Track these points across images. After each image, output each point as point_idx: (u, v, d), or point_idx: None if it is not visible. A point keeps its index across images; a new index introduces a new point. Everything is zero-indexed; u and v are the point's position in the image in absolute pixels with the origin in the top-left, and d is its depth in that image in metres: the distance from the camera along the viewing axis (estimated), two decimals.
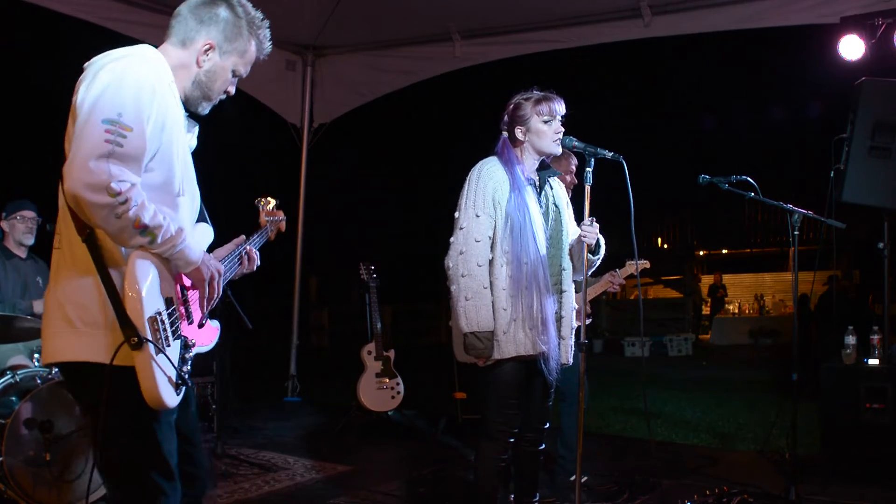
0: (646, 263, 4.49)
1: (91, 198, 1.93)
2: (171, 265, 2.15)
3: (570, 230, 3.46)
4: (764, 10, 5.85)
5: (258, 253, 2.65)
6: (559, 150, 3.35)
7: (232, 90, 2.37)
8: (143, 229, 2.01)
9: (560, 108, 3.33)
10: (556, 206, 3.44)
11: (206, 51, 2.26)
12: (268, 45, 2.38)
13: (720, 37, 6.60)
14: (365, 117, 8.86)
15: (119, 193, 1.95)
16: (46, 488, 3.87)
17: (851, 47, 5.11)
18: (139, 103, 2.04)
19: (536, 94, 3.34)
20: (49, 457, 3.84)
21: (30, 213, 4.70)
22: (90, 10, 5.92)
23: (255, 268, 2.62)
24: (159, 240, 2.05)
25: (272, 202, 2.94)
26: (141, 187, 2.06)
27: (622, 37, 6.51)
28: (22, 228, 4.68)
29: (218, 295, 2.28)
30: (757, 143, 18.57)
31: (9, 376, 4.03)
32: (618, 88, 17.15)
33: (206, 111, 2.37)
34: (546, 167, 3.44)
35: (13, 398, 3.96)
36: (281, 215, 2.94)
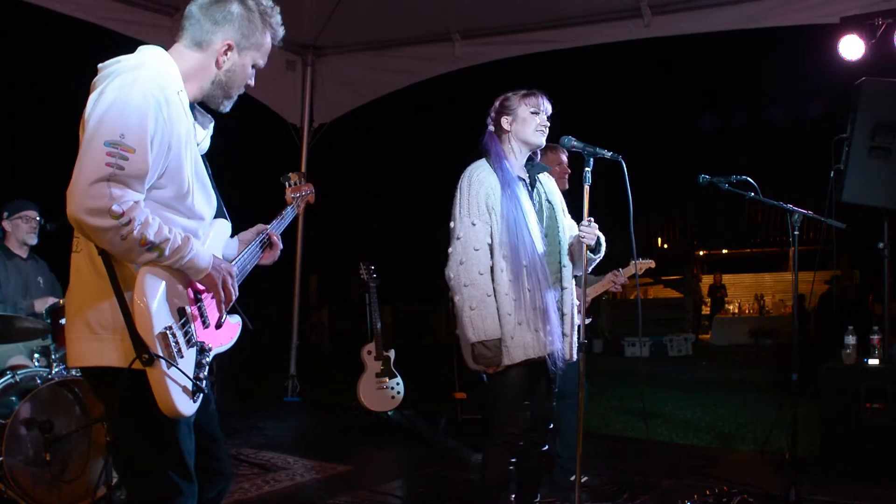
0: (651, 263, 4.46)
1: (94, 222, 1.93)
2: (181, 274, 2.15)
3: (567, 225, 3.45)
4: (764, 10, 5.85)
5: (280, 237, 2.62)
6: (542, 142, 3.37)
7: (252, 83, 2.34)
8: (150, 246, 2.00)
9: (547, 105, 3.36)
10: (549, 202, 3.43)
11: (226, 51, 2.23)
12: (281, 31, 2.36)
13: (720, 37, 6.60)
14: (365, 117, 8.86)
15: (122, 215, 1.93)
16: (46, 488, 3.87)
17: (851, 47, 5.11)
18: (143, 124, 2.00)
19: (525, 90, 3.37)
20: (49, 457, 3.84)
21: (33, 213, 4.71)
22: (90, 10, 5.92)
23: (277, 255, 2.59)
24: (167, 252, 2.04)
25: (297, 176, 2.88)
26: (153, 201, 2.06)
27: (622, 37, 6.51)
28: (26, 228, 4.70)
29: (235, 295, 2.26)
30: (757, 143, 18.57)
31: (9, 376, 4.03)
32: (618, 88, 17.13)
33: (228, 109, 2.34)
34: (531, 164, 3.42)
35: (13, 398, 3.96)
36: (309, 187, 2.89)
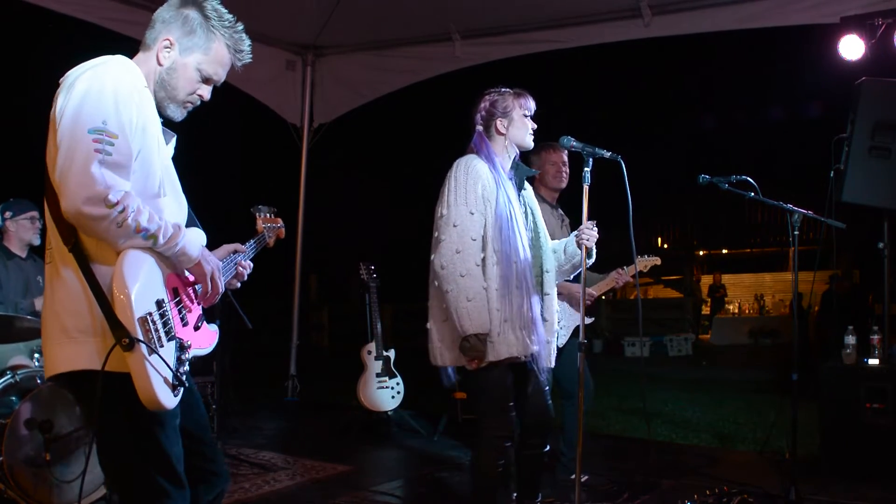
0: (657, 260, 4.45)
1: (91, 211, 1.94)
2: (163, 267, 2.14)
3: (545, 233, 3.45)
4: (764, 10, 5.84)
5: (251, 263, 2.58)
6: (532, 145, 3.39)
7: (205, 95, 2.29)
8: (146, 233, 2.03)
9: (534, 106, 3.36)
10: (531, 208, 3.43)
11: (165, 47, 2.23)
12: (246, 50, 2.31)
13: (720, 37, 6.60)
14: (365, 117, 8.86)
15: (116, 203, 1.95)
16: (46, 488, 3.86)
17: (851, 47, 5.10)
18: (120, 108, 2.03)
19: (513, 89, 3.35)
20: (49, 457, 3.83)
21: (35, 214, 4.72)
22: (90, 11, 5.92)
23: (242, 280, 2.54)
24: (161, 240, 2.07)
25: (269, 210, 2.86)
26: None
27: (622, 37, 6.51)
28: (32, 229, 4.71)
29: (220, 290, 2.27)
30: (757, 143, 18.58)
31: (9, 376, 4.03)
32: (618, 88, 17.14)
33: (179, 117, 2.29)
34: (516, 166, 3.40)
35: (13, 398, 3.95)
36: (279, 222, 2.88)
